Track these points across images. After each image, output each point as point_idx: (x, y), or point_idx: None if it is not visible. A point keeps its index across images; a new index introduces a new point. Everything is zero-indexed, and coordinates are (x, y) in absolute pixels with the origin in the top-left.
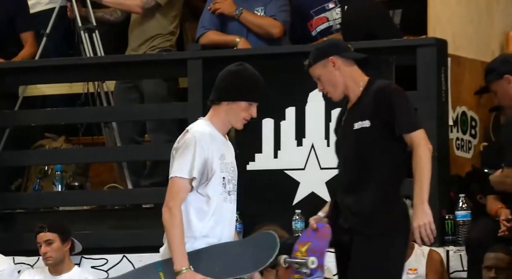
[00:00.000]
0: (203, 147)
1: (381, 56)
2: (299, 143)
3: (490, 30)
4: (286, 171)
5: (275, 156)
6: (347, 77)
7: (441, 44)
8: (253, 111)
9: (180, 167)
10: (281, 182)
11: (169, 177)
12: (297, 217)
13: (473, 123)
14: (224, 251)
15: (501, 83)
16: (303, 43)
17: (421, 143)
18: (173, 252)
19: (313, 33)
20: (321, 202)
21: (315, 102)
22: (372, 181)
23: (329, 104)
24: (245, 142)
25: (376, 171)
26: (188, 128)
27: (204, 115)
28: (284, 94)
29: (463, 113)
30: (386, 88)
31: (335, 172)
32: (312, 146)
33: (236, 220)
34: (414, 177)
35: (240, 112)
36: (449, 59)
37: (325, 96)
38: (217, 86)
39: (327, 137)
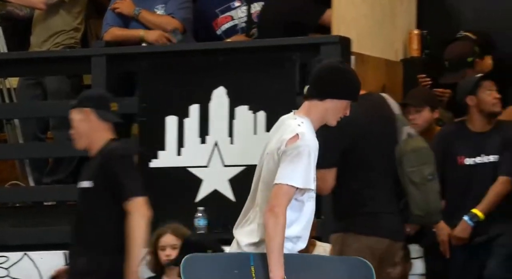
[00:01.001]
0: (314, 157)
1: (285, 54)
2: (203, 141)
3: (394, 29)
4: (189, 169)
5: (178, 153)
6: (94, 132)
7: (345, 42)
8: (348, 110)
9: (292, 175)
10: (184, 180)
11: (278, 182)
12: (199, 215)
13: None
14: (319, 265)
15: None
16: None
17: (136, 211)
18: (270, 259)
19: (218, 32)
20: (223, 200)
21: (219, 99)
22: (89, 242)
23: (233, 102)
24: (148, 139)
25: (94, 233)
26: (297, 131)
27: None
28: (188, 91)
29: None
30: (113, 152)
31: (239, 169)
32: (216, 144)
33: None
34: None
35: (341, 110)
36: (353, 57)
37: (228, 94)
38: (323, 82)
39: (230, 134)
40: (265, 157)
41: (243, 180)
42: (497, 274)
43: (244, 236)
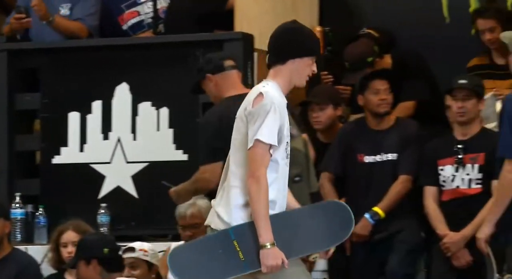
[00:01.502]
0: (280, 113)
1: (189, 50)
2: (106, 137)
3: None
4: (91, 165)
5: (81, 149)
6: None
7: (248, 39)
8: (314, 67)
9: (263, 132)
10: (87, 176)
11: (250, 145)
12: (102, 211)
13: None
14: (296, 221)
15: (205, 82)
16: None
17: None
18: (258, 224)
19: (124, 27)
20: (126, 196)
21: (121, 96)
22: None
23: (136, 98)
24: (51, 135)
25: None
26: (261, 91)
27: (9, 108)
28: (91, 87)
29: None
30: None
31: (142, 166)
32: (119, 140)
33: (40, 214)
34: None
35: (305, 68)
36: (255, 53)
37: (131, 90)
38: (279, 46)
39: (133, 131)
40: (235, 122)
41: (146, 177)
42: (398, 270)
43: (222, 207)
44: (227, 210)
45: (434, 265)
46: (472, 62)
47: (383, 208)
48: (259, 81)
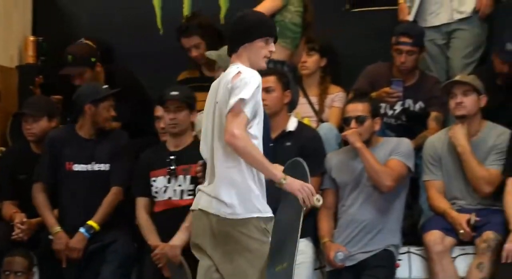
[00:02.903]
0: (258, 88)
1: None
2: None
3: (9, 34)
4: None
5: None
6: None
7: None
8: (272, 46)
9: (244, 93)
10: None
11: (228, 109)
12: None
13: None
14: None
15: None
16: None
17: None
18: (264, 169)
19: None
20: None
21: None
22: None
23: None
24: None
25: None
26: (238, 70)
27: None
28: None
29: None
30: None
31: None
32: None
33: None
34: None
35: (259, 50)
36: None
37: None
38: (230, 36)
39: None
40: (217, 106)
41: None
42: None
43: (222, 189)
44: (230, 192)
45: (145, 276)
46: (183, 75)
47: (97, 221)
48: None
